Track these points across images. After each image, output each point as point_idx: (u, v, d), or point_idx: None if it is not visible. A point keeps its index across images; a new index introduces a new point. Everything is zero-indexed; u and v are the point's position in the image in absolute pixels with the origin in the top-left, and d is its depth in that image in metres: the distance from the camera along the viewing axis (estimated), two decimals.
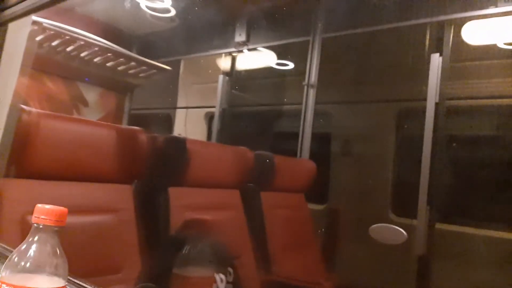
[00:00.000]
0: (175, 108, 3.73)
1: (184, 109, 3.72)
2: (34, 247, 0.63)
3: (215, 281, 1.33)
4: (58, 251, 0.64)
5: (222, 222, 1.84)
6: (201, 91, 3.72)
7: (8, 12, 1.29)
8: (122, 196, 1.54)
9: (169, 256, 1.22)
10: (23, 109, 1.31)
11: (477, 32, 2.27)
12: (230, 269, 1.46)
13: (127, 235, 1.50)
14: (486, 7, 2.12)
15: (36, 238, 0.64)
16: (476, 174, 2.36)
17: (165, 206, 1.64)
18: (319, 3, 2.69)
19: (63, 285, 0.64)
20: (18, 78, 1.29)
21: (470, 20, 2.24)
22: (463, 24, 2.26)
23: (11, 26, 1.31)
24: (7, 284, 0.61)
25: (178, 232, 1.61)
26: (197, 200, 1.79)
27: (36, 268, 0.63)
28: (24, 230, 1.20)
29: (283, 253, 2.09)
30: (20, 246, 0.64)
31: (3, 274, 0.62)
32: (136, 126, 1.67)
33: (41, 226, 0.64)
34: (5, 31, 1.31)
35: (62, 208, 0.66)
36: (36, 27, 1.76)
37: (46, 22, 1.81)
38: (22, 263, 0.62)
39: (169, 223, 1.62)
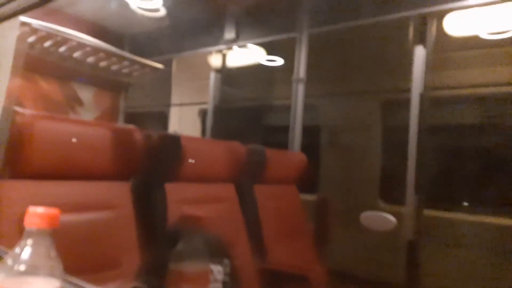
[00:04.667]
0: (169, 105, 3.76)
1: (178, 106, 3.75)
2: (27, 250, 0.63)
3: (212, 272, 1.37)
4: (52, 253, 0.64)
5: (219, 215, 1.88)
6: (194, 88, 3.75)
7: None
8: (120, 193, 1.55)
9: (165, 251, 1.24)
10: (16, 111, 1.29)
11: (460, 23, 2.33)
12: (226, 260, 1.50)
13: (126, 231, 1.51)
14: None
15: (29, 242, 0.64)
16: (461, 161, 2.43)
17: (162, 202, 1.67)
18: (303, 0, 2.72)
19: (59, 285, 0.64)
20: (10, 80, 1.28)
21: (452, 11, 2.29)
22: (445, 16, 2.31)
23: None
24: None
25: (175, 227, 1.64)
26: (193, 195, 1.81)
27: (31, 271, 0.63)
28: (23, 231, 1.22)
29: (277, 242, 2.14)
30: (13, 249, 0.64)
31: None
32: (132, 124, 1.69)
33: (33, 230, 0.64)
34: None
35: (54, 210, 0.65)
36: (26, 28, 1.75)
37: (36, 23, 1.81)
38: (17, 266, 0.62)
39: (166, 218, 1.65)
